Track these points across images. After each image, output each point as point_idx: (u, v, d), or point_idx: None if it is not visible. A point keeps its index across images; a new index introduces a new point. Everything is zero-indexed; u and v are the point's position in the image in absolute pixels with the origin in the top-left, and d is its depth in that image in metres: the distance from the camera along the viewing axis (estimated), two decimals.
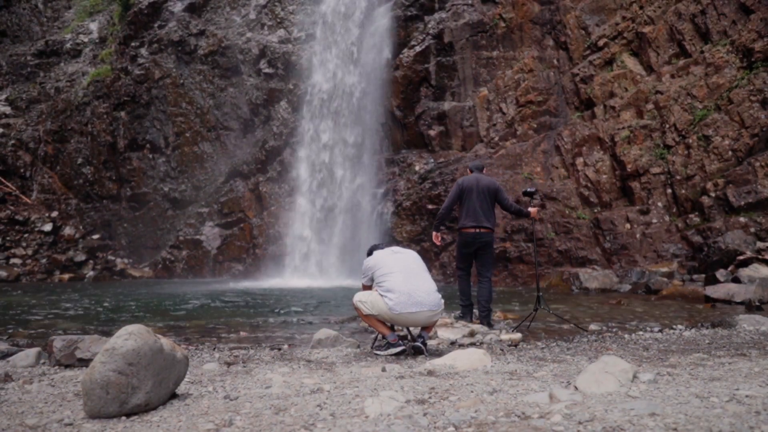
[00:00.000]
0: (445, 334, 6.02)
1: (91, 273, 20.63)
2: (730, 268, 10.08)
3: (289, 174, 20.20)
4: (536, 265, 8.41)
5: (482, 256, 6.74)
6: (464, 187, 6.76)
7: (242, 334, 6.96)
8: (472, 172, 7.07)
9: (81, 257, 21.03)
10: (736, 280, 9.38)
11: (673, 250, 12.41)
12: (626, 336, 5.98)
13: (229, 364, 4.51)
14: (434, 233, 6.90)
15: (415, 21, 18.82)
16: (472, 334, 6.00)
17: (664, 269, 11.77)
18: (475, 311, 6.98)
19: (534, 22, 16.98)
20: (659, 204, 13.29)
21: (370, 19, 19.83)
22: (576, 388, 2.92)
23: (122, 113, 23.32)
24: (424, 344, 5.00)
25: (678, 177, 13.11)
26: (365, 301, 4.99)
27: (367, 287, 5.30)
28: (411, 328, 5.43)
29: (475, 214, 6.64)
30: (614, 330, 6.50)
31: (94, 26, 26.62)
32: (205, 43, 23.06)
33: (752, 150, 12.32)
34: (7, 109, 23.99)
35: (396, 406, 2.69)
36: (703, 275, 10.56)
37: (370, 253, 5.44)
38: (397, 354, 4.95)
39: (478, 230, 6.63)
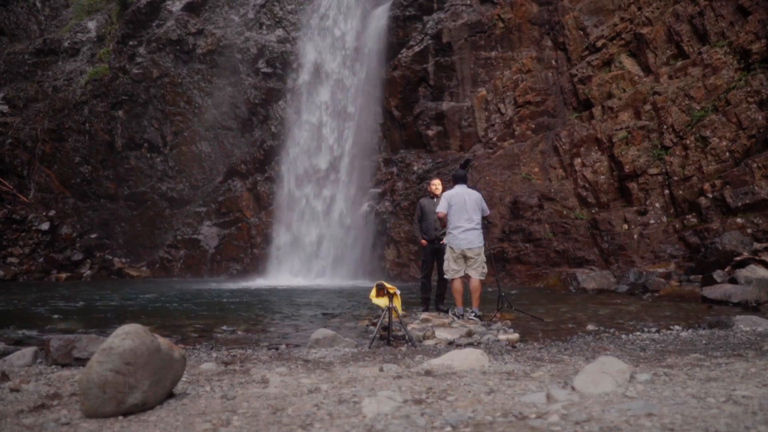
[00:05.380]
0: (442, 334, 6.03)
1: (89, 272, 20.59)
2: (727, 269, 10.09)
3: (287, 174, 20.18)
4: (496, 270, 8.58)
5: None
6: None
7: (240, 333, 6.96)
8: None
9: (78, 256, 20.99)
10: (733, 281, 9.39)
11: (670, 250, 12.42)
12: (623, 336, 5.99)
13: (226, 364, 4.51)
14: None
15: (413, 21, 18.82)
16: (469, 334, 6.00)
17: (662, 270, 11.78)
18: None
19: (532, 23, 16.99)
20: (657, 205, 13.31)
21: (368, 18, 19.83)
22: (573, 388, 2.92)
23: (120, 112, 23.28)
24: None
25: (675, 178, 13.13)
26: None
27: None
28: (409, 328, 5.43)
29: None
30: (612, 330, 6.51)
31: (92, 25, 26.57)
32: (203, 43, 23.03)
33: (749, 151, 12.34)
34: (5, 108, 23.93)
35: (393, 406, 2.68)
36: (701, 276, 10.56)
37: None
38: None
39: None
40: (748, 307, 7.98)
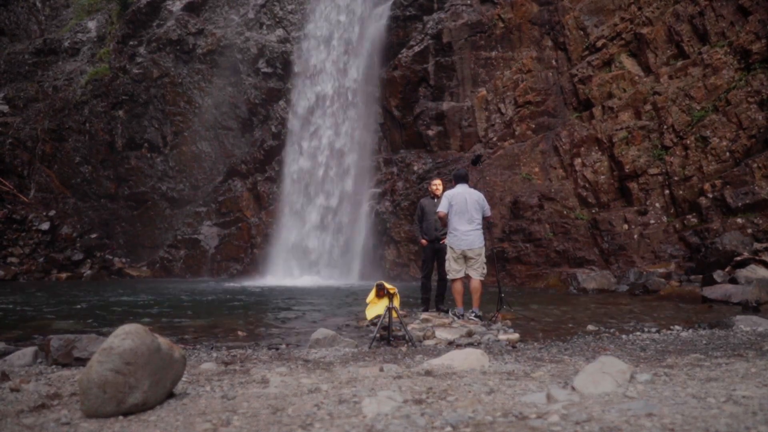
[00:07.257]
0: (443, 334, 6.03)
1: (89, 272, 20.58)
2: (727, 269, 10.09)
3: (287, 174, 20.18)
4: (497, 269, 8.57)
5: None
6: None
7: (240, 333, 6.96)
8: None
9: (79, 256, 20.98)
10: (734, 281, 9.38)
11: (670, 250, 12.42)
12: (624, 336, 5.99)
13: (226, 364, 4.51)
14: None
15: (413, 21, 18.81)
16: (470, 334, 6.00)
17: (662, 270, 11.77)
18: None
19: (533, 23, 16.99)
20: (657, 205, 13.31)
21: (369, 18, 19.83)
22: (573, 388, 2.92)
23: (120, 112, 23.28)
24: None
25: (676, 178, 13.12)
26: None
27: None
28: (409, 328, 5.43)
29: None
30: (612, 330, 6.51)
31: (92, 25, 26.58)
32: (203, 43, 23.03)
33: (750, 151, 12.34)
34: (5, 108, 23.93)
35: (393, 406, 2.68)
36: (701, 276, 10.56)
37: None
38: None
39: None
40: (748, 307, 7.97)
